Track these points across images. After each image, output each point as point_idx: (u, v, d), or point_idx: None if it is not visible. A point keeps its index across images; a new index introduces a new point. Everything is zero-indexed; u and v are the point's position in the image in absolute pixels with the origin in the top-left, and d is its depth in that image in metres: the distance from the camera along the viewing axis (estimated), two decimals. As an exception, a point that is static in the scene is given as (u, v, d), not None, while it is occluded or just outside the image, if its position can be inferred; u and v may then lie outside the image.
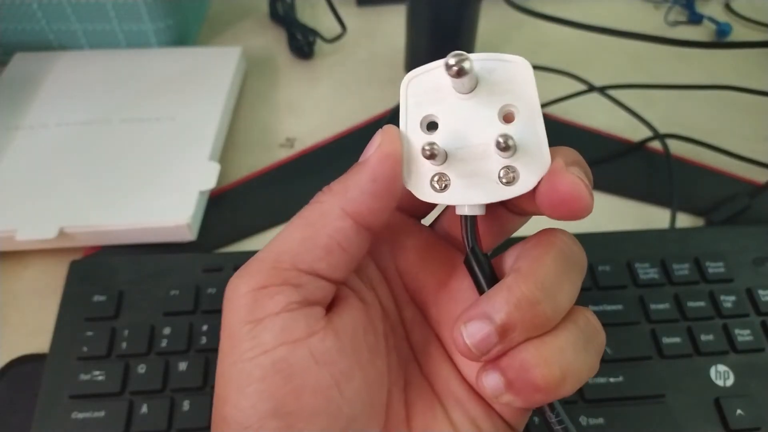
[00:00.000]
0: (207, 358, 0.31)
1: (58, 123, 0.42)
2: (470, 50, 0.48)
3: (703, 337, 0.31)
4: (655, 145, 0.44)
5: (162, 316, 0.32)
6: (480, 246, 0.20)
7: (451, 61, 0.18)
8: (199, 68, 0.46)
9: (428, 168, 0.19)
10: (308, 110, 0.47)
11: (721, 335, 0.32)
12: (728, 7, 0.57)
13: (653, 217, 0.40)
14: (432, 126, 0.20)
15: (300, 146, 0.44)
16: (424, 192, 0.20)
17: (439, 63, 0.19)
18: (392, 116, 0.44)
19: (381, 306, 0.22)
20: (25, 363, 0.32)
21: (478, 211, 0.20)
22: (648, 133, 0.44)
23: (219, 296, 0.33)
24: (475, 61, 0.19)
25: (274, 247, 0.19)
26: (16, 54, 0.47)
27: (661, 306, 0.33)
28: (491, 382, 0.18)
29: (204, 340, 0.31)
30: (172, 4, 0.47)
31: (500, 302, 0.18)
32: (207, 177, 0.38)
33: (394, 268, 0.23)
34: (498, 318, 0.17)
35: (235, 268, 0.34)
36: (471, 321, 0.18)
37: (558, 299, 0.18)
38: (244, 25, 0.55)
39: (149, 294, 0.33)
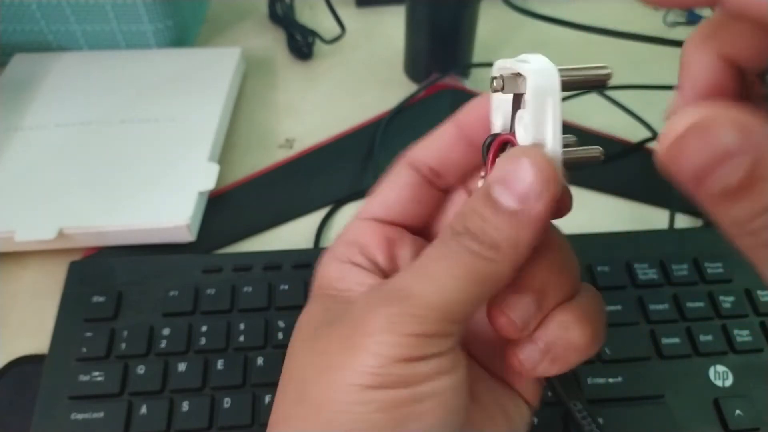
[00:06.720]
0: (206, 358, 0.31)
1: (58, 124, 0.42)
2: (469, 52, 0.48)
3: (702, 338, 0.31)
4: (655, 145, 0.44)
5: (161, 317, 0.32)
6: None
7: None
8: (199, 69, 0.46)
9: None
10: (307, 111, 0.47)
11: (720, 336, 0.32)
12: (727, 8, 0.57)
13: (652, 218, 0.40)
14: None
15: (299, 147, 0.44)
16: None
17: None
18: (392, 117, 0.44)
19: None
20: (25, 364, 0.32)
21: None
22: (647, 134, 0.44)
23: (218, 297, 0.33)
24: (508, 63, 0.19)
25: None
26: (15, 55, 0.47)
27: (660, 306, 0.33)
28: (526, 354, 0.19)
29: (203, 341, 0.31)
30: (171, 5, 0.47)
31: (533, 270, 0.18)
32: (206, 178, 0.38)
33: None
34: (533, 285, 0.18)
35: (235, 269, 0.34)
36: (507, 298, 0.18)
37: (575, 264, 0.19)
38: (244, 25, 0.55)
39: (148, 295, 0.33)
